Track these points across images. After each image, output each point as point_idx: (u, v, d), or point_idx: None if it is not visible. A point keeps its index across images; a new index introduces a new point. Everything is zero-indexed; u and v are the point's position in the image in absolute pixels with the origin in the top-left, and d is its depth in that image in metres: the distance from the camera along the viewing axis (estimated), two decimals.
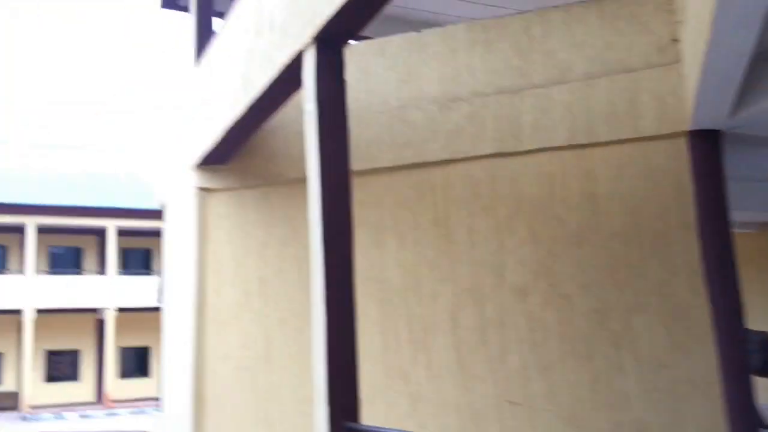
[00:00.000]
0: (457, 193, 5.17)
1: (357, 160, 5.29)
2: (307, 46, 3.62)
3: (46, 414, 24.20)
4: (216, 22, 6.32)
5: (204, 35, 6.01)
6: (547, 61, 5.09)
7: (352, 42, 5.67)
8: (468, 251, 5.05)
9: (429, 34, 5.46)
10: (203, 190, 5.74)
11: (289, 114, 5.08)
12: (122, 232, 27.58)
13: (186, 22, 6.67)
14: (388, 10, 7.30)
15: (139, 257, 29.75)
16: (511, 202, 5.04)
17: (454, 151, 5.19)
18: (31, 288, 25.68)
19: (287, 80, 3.99)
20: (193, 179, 5.80)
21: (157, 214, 6.99)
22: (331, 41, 3.55)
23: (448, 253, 5.09)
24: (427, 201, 5.22)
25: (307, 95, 3.60)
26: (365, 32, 6.16)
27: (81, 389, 27.93)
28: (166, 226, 6.76)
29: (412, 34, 5.49)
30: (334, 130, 3.54)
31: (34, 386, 25.83)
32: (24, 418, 23.52)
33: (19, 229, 26.22)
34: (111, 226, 26.95)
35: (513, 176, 5.07)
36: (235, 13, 4.92)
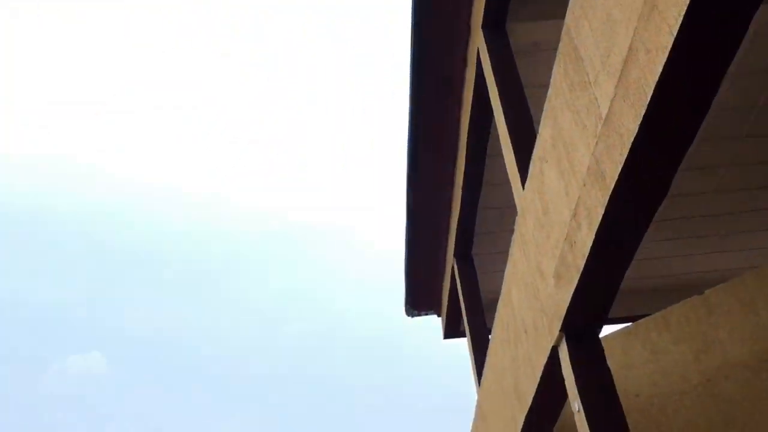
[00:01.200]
0: None
1: None
2: (559, 341, 3.35)
3: None
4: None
5: (481, 357, 6.00)
6: None
7: (621, 325, 5.23)
8: None
9: (714, 293, 4.85)
10: None
11: None
12: None
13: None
14: (659, 281, 6.80)
15: None
16: None
17: None
18: None
19: (552, 384, 3.65)
20: None
21: None
22: (581, 331, 3.25)
23: None
24: None
25: (570, 393, 3.23)
26: (646, 308, 5.69)
27: None
28: None
29: (695, 298, 4.92)
30: (610, 426, 3.06)
31: None
32: None
33: None
34: None
35: None
36: (497, 326, 4.88)
